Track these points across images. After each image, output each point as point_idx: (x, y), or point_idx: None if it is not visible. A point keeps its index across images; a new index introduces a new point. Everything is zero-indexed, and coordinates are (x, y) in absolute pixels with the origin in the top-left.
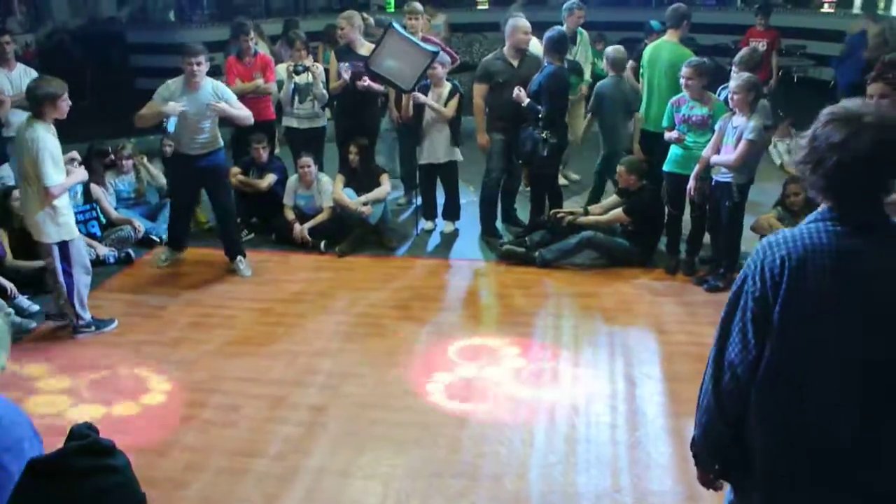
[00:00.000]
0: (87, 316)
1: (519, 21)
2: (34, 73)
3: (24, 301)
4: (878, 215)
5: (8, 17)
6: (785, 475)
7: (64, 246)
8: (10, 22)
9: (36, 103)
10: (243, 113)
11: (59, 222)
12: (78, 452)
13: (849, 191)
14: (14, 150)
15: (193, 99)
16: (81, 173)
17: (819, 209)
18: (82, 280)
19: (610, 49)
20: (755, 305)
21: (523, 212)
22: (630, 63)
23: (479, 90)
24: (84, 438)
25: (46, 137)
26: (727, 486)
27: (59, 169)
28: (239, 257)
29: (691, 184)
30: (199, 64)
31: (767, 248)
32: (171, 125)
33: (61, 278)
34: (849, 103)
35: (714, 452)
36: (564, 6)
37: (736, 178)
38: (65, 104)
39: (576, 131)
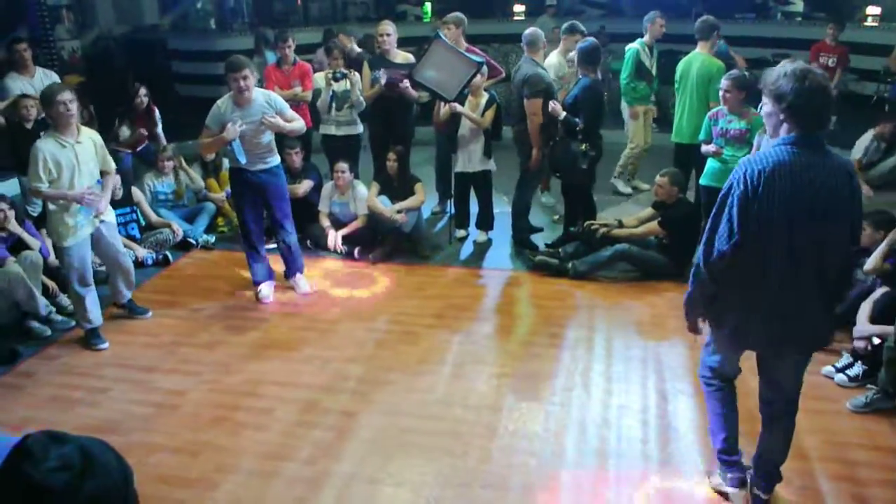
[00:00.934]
0: (90, 325)
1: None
2: (54, 76)
3: (64, 299)
4: (820, 141)
5: (57, 25)
6: (751, 316)
7: (57, 250)
8: (58, 29)
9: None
10: (297, 125)
11: (53, 223)
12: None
13: (804, 124)
14: None
15: (246, 115)
16: (74, 194)
17: (781, 137)
18: (78, 290)
19: None
20: (739, 203)
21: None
22: None
23: (539, 105)
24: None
25: (42, 143)
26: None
27: (42, 174)
28: (298, 274)
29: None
30: (245, 78)
31: (748, 164)
32: (239, 156)
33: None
34: (801, 65)
35: (704, 302)
36: (646, 17)
37: None
38: (60, 108)
39: (647, 139)
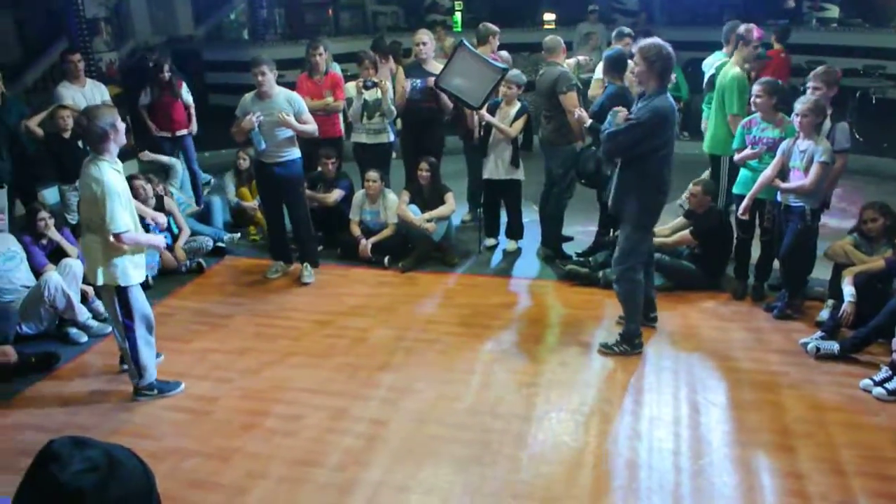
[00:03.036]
0: (151, 376)
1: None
2: (103, 88)
3: (100, 305)
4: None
5: (95, 37)
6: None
7: (121, 292)
8: (96, 41)
9: (97, 138)
10: (309, 128)
11: (115, 263)
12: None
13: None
14: None
15: (266, 107)
16: (158, 239)
17: (658, 91)
18: (143, 336)
19: None
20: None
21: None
22: None
23: (576, 98)
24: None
25: (107, 173)
26: None
27: (127, 212)
28: (306, 263)
29: (745, 203)
30: (262, 73)
31: (669, 107)
32: (259, 143)
33: (121, 331)
34: (659, 41)
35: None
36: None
37: (809, 202)
38: (121, 132)
39: None
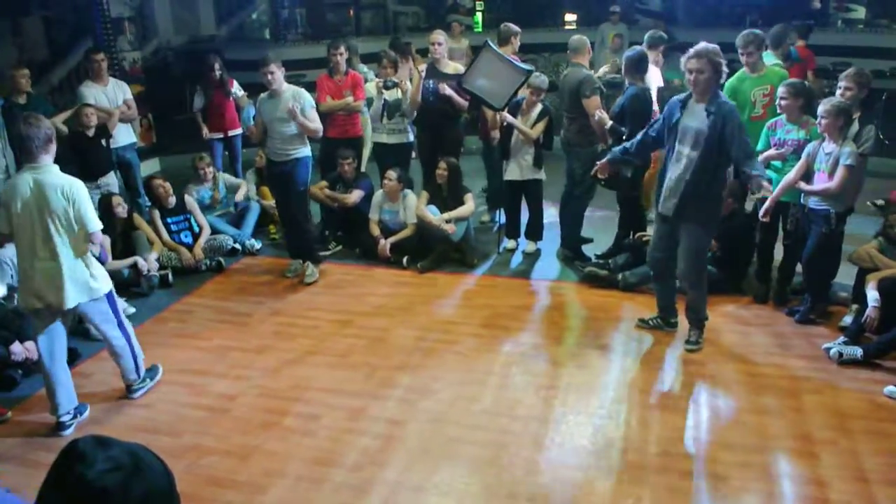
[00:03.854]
0: (142, 368)
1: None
2: (125, 86)
3: (121, 303)
4: None
5: (119, 36)
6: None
7: (110, 295)
8: (120, 40)
9: (47, 143)
10: (312, 125)
11: (96, 270)
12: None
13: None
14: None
15: (274, 104)
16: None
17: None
18: (130, 329)
19: None
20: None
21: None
22: None
23: (598, 101)
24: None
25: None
26: None
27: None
28: (306, 262)
29: (767, 206)
30: (271, 73)
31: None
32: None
33: (119, 332)
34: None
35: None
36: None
37: (834, 205)
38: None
39: None
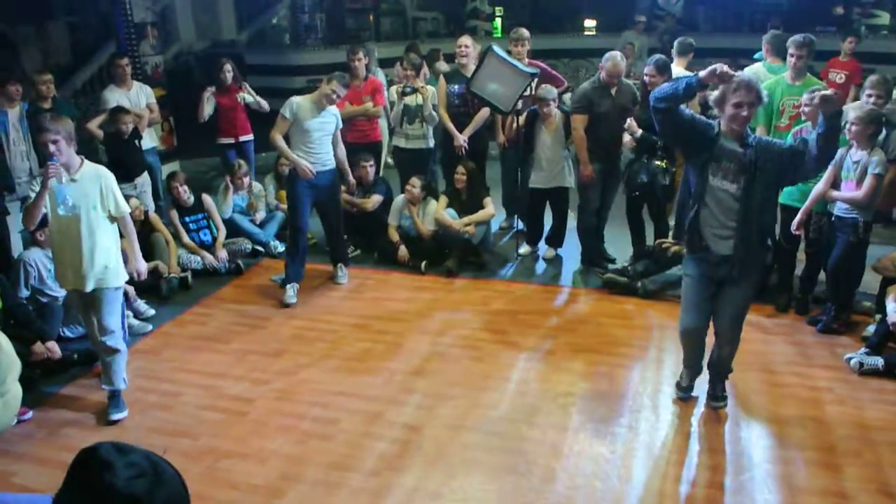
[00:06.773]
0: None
1: (616, 53)
2: (148, 90)
3: (141, 305)
4: None
5: (142, 41)
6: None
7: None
8: (142, 45)
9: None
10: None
11: (118, 258)
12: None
13: None
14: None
15: (323, 116)
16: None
17: None
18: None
19: None
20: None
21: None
22: None
23: (582, 120)
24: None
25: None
26: None
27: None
28: (340, 264)
29: (799, 218)
30: (337, 95)
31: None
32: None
33: (119, 334)
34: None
35: None
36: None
37: (862, 214)
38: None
39: None
